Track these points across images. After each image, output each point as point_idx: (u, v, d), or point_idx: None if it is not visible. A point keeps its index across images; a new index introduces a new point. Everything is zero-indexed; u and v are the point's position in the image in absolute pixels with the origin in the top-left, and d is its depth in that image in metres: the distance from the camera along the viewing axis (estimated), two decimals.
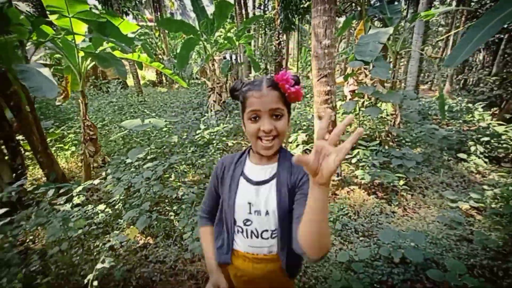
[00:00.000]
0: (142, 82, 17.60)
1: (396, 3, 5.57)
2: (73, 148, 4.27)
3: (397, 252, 1.97)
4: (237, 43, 8.15)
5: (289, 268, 0.91)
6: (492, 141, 4.37)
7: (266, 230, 0.89)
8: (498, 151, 4.33)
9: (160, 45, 17.46)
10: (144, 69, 19.60)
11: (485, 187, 2.97)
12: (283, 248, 0.88)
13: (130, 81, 12.54)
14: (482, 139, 4.34)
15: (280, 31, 15.32)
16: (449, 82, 13.02)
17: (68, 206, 2.19)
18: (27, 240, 2.37)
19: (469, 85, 12.18)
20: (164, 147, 3.11)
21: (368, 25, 4.82)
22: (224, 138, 4.11)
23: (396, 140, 4.58)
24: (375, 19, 5.57)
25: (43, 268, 1.91)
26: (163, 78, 18.01)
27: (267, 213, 0.87)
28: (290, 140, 3.86)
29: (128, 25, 3.10)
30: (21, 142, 3.03)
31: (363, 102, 5.24)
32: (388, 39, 4.33)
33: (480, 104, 6.42)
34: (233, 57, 10.06)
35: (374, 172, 3.02)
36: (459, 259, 2.05)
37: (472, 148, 4.25)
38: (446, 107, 6.57)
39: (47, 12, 2.78)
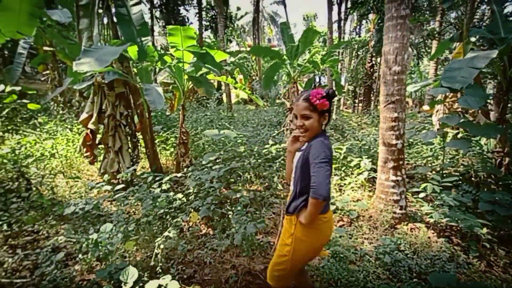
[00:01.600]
0: (235, 100, 19.95)
1: None
2: (172, 149, 5.40)
3: None
4: (322, 67, 8.40)
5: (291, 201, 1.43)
6: None
7: (293, 178, 1.46)
8: None
9: (255, 67, 19.47)
10: (239, 88, 22.28)
11: None
12: (294, 191, 1.43)
13: (226, 99, 14.55)
14: None
15: (374, 54, 14.65)
16: None
17: (158, 190, 2.90)
18: (132, 211, 3.24)
19: None
20: (232, 155, 3.63)
21: (468, 47, 4.23)
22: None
23: (501, 185, 3.73)
24: (480, 41, 4.78)
25: (136, 230, 2.60)
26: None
27: (295, 169, 1.44)
28: (352, 164, 3.77)
29: (221, 55, 3.88)
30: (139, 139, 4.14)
31: (457, 133, 4.51)
32: (500, 63, 3.71)
33: None
34: (317, 79, 10.32)
35: (448, 212, 2.64)
36: None
37: None
38: None
39: (169, 47, 3.82)
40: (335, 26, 17.84)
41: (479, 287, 1.72)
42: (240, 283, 2.11)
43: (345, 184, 3.72)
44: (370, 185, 3.74)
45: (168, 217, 2.77)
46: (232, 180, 3.28)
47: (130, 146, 3.76)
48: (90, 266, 2.24)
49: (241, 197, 2.77)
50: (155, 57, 3.76)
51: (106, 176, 3.44)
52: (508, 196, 2.79)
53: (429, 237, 2.67)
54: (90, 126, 3.48)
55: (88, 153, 3.66)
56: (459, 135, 4.53)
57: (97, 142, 3.69)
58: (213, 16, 14.96)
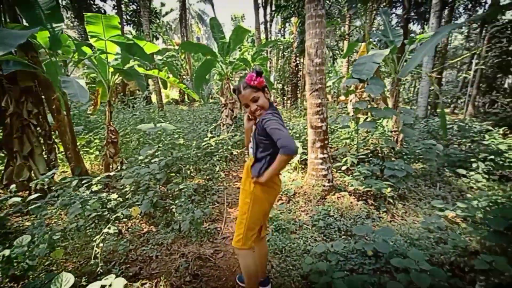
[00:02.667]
0: (166, 100, 18.89)
1: (398, 27, 5.86)
2: (97, 153, 4.83)
3: (369, 245, 2.14)
4: (252, 65, 8.78)
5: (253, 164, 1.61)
6: (497, 159, 4.35)
7: (251, 145, 1.66)
8: (506, 170, 4.30)
9: (184, 66, 18.82)
10: (169, 88, 21.12)
11: (469, 196, 3.04)
12: (254, 155, 1.61)
13: (154, 99, 13.62)
14: (485, 157, 4.34)
15: (297, 54, 16.02)
16: (471, 104, 12.74)
17: (87, 192, 2.61)
18: (52, 222, 2.80)
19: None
20: (172, 147, 3.51)
21: (370, 47, 5.15)
22: (229, 147, 4.47)
23: (398, 156, 4.69)
24: (380, 42, 5.89)
25: (63, 239, 2.29)
26: (185, 97, 19.23)
27: (253, 137, 1.63)
28: None
29: (151, 46, 3.68)
30: (56, 141, 3.58)
31: (366, 118, 5.43)
32: (392, 60, 4.62)
33: (490, 124, 6.34)
34: (254, 72, 10.71)
35: (362, 179, 3.20)
36: (431, 257, 2.17)
37: (474, 165, 4.26)
38: (456, 127, 6.56)
39: (89, 37, 3.43)
40: (262, 27, 18.77)
41: (386, 232, 2.18)
42: (191, 269, 2.11)
43: None
44: (303, 166, 4.17)
45: (103, 219, 2.52)
46: (172, 174, 3.19)
47: (44, 149, 3.23)
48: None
49: (185, 188, 2.73)
50: (71, 47, 3.32)
51: (12, 187, 2.89)
52: (403, 163, 3.56)
53: (351, 202, 3.18)
54: None
55: None
56: (368, 119, 5.45)
57: None
58: (135, 10, 13.81)
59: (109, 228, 2.03)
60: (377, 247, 2.04)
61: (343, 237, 2.59)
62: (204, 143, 4.08)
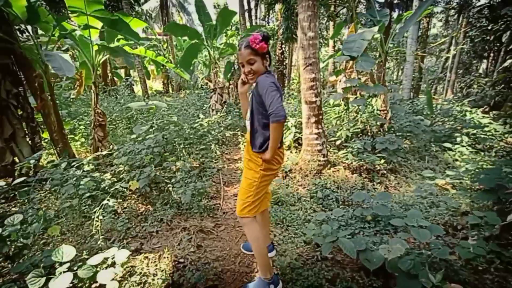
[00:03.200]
0: (149, 92, 18.31)
1: (385, 8, 5.91)
2: (83, 140, 4.63)
3: (368, 210, 2.20)
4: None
5: (251, 136, 1.57)
6: (478, 132, 4.58)
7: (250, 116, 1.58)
8: (486, 144, 4.53)
9: (168, 56, 18.23)
10: (152, 80, 20.44)
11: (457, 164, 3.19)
12: (251, 126, 1.57)
13: (138, 90, 13.16)
14: (468, 132, 4.55)
15: (283, 41, 15.90)
16: (450, 88, 13.25)
17: (79, 172, 2.50)
18: (42, 206, 2.67)
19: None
20: (167, 124, 3.40)
21: (358, 26, 5.18)
22: (222, 129, 4.42)
23: (387, 133, 4.82)
24: (366, 23, 5.96)
25: (57, 218, 2.20)
26: (170, 88, 18.69)
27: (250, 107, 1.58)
28: None
29: (137, 22, 3.50)
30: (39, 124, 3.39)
31: (356, 97, 5.51)
32: (380, 40, 4.68)
33: (471, 102, 6.63)
34: (236, 62, 10.55)
35: (356, 153, 3.26)
36: (427, 219, 2.27)
37: (458, 139, 4.46)
38: (438, 107, 6.80)
39: (69, 12, 3.21)
40: (246, 15, 18.40)
41: (384, 196, 2.24)
42: (194, 241, 2.09)
43: None
44: (297, 144, 4.20)
45: (97, 199, 2.43)
46: (167, 154, 3.11)
47: (27, 132, 3.05)
48: (11, 264, 1.78)
49: (183, 165, 2.68)
50: (50, 23, 3.10)
51: None
52: (393, 136, 3.66)
53: (346, 175, 3.24)
54: None
55: None
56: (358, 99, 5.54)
57: None
58: None
59: (108, 200, 1.96)
60: (376, 211, 2.10)
61: (341, 206, 2.65)
62: (196, 124, 3.99)
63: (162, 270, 1.76)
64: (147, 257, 1.93)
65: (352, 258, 1.64)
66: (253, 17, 18.31)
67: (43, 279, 1.45)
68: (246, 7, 16.86)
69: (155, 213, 2.49)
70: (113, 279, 1.53)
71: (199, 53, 7.39)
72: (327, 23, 14.05)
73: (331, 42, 10.08)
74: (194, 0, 6.19)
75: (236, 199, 2.81)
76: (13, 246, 1.80)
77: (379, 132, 4.70)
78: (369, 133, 4.64)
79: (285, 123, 4.17)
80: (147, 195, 2.78)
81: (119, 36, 3.50)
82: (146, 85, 10.17)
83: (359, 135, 4.33)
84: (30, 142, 3.08)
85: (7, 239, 1.78)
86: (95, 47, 3.43)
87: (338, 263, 1.83)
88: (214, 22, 6.29)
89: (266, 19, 20.56)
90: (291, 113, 4.80)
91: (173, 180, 2.76)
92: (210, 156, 3.94)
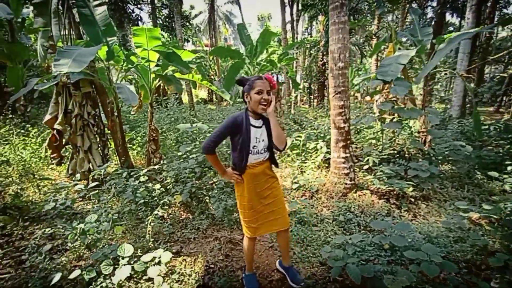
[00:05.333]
0: (195, 99, 19.80)
1: (428, 25, 5.70)
2: (139, 149, 5.42)
3: (386, 239, 2.30)
4: (278, 65, 9.00)
5: (272, 161, 1.87)
6: None
7: (263, 149, 1.79)
8: None
9: (213, 67, 19.53)
10: (198, 88, 22.11)
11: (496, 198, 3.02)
12: (270, 155, 1.85)
13: (185, 99, 14.43)
14: None
15: (324, 53, 15.86)
16: None
17: (136, 182, 3.07)
18: (108, 206, 3.32)
19: None
20: None
21: (397, 47, 5.13)
22: None
23: (426, 157, 4.64)
24: (408, 42, 5.82)
25: (120, 219, 2.76)
26: (214, 96, 19.95)
27: (263, 140, 1.78)
28: (310, 147, 4.35)
29: (186, 54, 4.09)
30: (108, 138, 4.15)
31: (393, 118, 5.41)
32: (421, 61, 4.60)
33: None
34: (275, 77, 10.97)
35: (385, 178, 3.31)
36: (448, 254, 2.28)
37: (510, 168, 4.12)
38: (492, 128, 6.22)
39: (134, 46, 3.92)
40: (288, 26, 18.79)
41: (403, 226, 2.32)
42: (223, 250, 2.45)
43: (305, 166, 4.27)
44: (327, 165, 4.34)
45: (149, 205, 2.96)
46: (206, 169, 3.57)
47: (100, 145, 3.79)
48: (78, 255, 2.35)
49: (217, 181, 3.09)
50: (121, 57, 3.83)
51: (77, 176, 3.46)
52: (427, 163, 3.59)
53: (372, 200, 3.31)
54: (57, 126, 3.43)
55: (55, 154, 3.60)
56: (394, 120, 5.43)
57: (63, 142, 3.64)
58: (168, 15, 14.69)
59: (158, 211, 2.43)
60: (393, 241, 2.20)
61: (362, 231, 2.77)
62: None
63: (196, 272, 2.14)
64: (185, 259, 2.33)
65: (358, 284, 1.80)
66: (296, 29, 18.62)
67: (111, 268, 1.94)
68: (288, 18, 17.27)
69: (194, 222, 2.92)
70: (158, 275, 1.95)
71: (240, 70, 7.96)
72: (367, 39, 13.69)
73: (374, 57, 9.86)
74: (237, 25, 6.76)
75: None
76: (91, 238, 2.36)
77: (417, 155, 4.58)
78: (405, 156, 4.56)
79: (316, 144, 4.37)
80: (188, 204, 3.24)
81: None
82: (192, 97, 11.15)
83: (395, 157, 4.29)
84: (101, 153, 3.81)
85: (87, 233, 2.35)
86: (152, 75, 4.10)
87: (346, 287, 2.00)
88: (254, 43, 6.78)
89: (309, 30, 20.73)
90: (323, 133, 4.95)
91: (210, 193, 3.19)
92: None
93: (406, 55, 3.98)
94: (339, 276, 2.02)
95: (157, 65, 4.25)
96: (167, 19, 12.92)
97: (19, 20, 6.67)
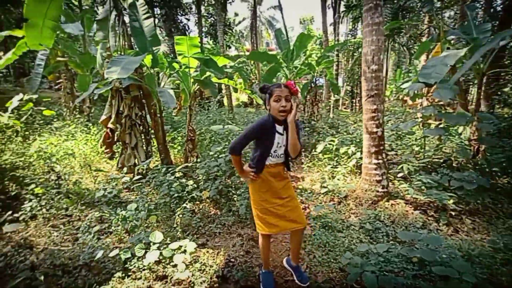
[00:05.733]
0: (236, 103, 20.49)
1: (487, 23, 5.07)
2: (179, 147, 5.87)
3: (414, 251, 2.16)
4: (317, 68, 8.89)
5: (286, 165, 1.93)
6: None
7: (282, 153, 1.87)
8: None
9: (254, 71, 20.01)
10: (239, 92, 22.88)
11: None
12: (285, 158, 1.91)
13: (226, 102, 15.06)
14: None
15: None
16: None
17: (172, 177, 3.36)
18: (148, 198, 3.69)
19: None
20: None
21: (445, 47, 4.69)
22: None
23: (478, 168, 4.15)
24: (459, 41, 5.26)
25: (155, 209, 3.06)
26: (254, 100, 20.40)
27: (284, 145, 1.86)
28: (341, 151, 4.23)
29: (222, 60, 4.35)
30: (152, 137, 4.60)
31: (439, 124, 4.94)
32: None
33: None
34: (317, 80, 10.75)
35: (424, 189, 3.07)
36: (491, 276, 2.04)
37: None
38: None
39: (177, 54, 4.31)
40: (330, 28, 18.31)
41: (434, 240, 2.14)
42: (245, 246, 2.55)
43: (337, 171, 4.17)
44: (359, 171, 4.18)
45: (182, 199, 3.22)
46: (235, 168, 3.73)
47: (144, 143, 4.22)
48: (119, 238, 2.69)
49: (244, 182, 3.22)
50: (165, 63, 4.24)
51: (124, 170, 3.91)
52: (475, 174, 3.22)
53: (406, 211, 3.10)
54: (110, 125, 3.96)
55: (108, 150, 4.13)
56: (441, 126, 4.97)
57: (115, 139, 4.16)
58: (212, 23, 15.55)
59: (186, 204, 2.65)
60: (422, 254, 2.06)
61: (390, 242, 2.62)
62: None
63: (217, 264, 2.28)
64: (208, 251, 2.50)
65: None
66: (338, 30, 18.06)
67: (143, 251, 2.19)
68: (331, 20, 16.86)
69: (221, 218, 3.09)
70: (182, 262, 2.14)
71: (277, 74, 8.07)
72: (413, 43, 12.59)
73: (423, 58, 9.08)
74: (274, 30, 6.89)
75: None
76: (130, 225, 2.67)
77: (467, 165, 4.13)
78: (453, 166, 4.14)
79: (347, 149, 4.24)
80: (217, 201, 3.43)
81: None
82: (231, 100, 11.60)
83: (440, 166, 3.93)
84: (145, 150, 4.25)
85: (127, 219, 2.67)
86: (191, 80, 4.43)
87: None
88: (291, 47, 6.83)
89: (353, 32, 19.93)
90: (358, 138, 4.77)
91: (238, 192, 3.34)
92: None
93: (454, 55, 3.64)
94: (356, 283, 1.96)
95: (196, 71, 4.60)
96: (211, 27, 13.72)
97: (90, 34, 7.77)
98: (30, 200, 3.14)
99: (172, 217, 2.99)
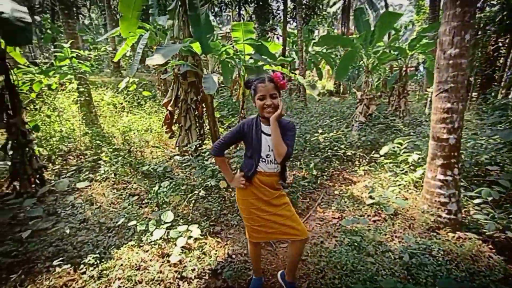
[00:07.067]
0: (322, 91, 19.51)
1: None
2: None
3: None
4: (409, 53, 7.38)
5: (282, 177, 1.70)
6: None
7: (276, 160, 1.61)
8: None
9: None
10: (326, 80, 21.61)
11: None
12: (281, 168, 1.67)
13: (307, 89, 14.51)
14: None
15: (499, 33, 11.57)
16: None
17: (207, 162, 3.49)
18: (191, 177, 3.99)
19: None
20: None
21: None
22: (344, 147, 4.27)
23: None
24: None
25: (185, 190, 3.27)
26: (340, 88, 18.88)
27: None
28: (401, 159, 3.39)
29: (274, 46, 4.12)
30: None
31: None
32: None
33: None
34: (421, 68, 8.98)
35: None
36: None
37: None
38: None
39: (232, 40, 4.33)
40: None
41: None
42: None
43: (394, 181, 3.42)
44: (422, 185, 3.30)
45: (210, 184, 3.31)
46: None
47: (197, 125, 4.53)
48: (152, 210, 3.01)
49: None
50: (220, 50, 4.34)
51: (176, 150, 4.32)
52: None
53: (479, 251, 2.26)
54: (169, 108, 4.41)
55: (168, 130, 4.65)
56: None
57: (173, 121, 4.62)
58: (295, 7, 14.96)
59: (199, 191, 2.71)
60: None
61: None
62: (314, 138, 4.14)
63: (216, 256, 2.26)
64: (217, 241, 2.50)
65: None
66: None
67: (154, 227, 2.38)
68: None
69: None
70: (183, 246, 2.21)
71: (354, 60, 7.11)
72: None
73: None
74: (354, 10, 6.00)
75: (320, 223, 2.83)
76: (160, 200, 2.95)
77: None
78: None
79: (407, 156, 3.39)
80: None
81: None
82: (305, 88, 11.11)
83: None
84: (198, 133, 4.56)
85: (159, 195, 2.95)
86: (243, 67, 4.40)
87: None
88: (371, 28, 5.82)
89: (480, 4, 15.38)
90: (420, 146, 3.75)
91: None
92: (322, 170, 4.03)
93: None
94: None
95: (251, 58, 4.53)
96: (293, 10, 13.25)
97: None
98: (105, 164, 3.88)
99: (197, 201, 3.12)
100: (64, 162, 4.38)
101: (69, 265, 2.04)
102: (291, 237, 1.69)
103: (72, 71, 4.88)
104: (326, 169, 4.25)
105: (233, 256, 2.30)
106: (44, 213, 2.70)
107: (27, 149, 3.15)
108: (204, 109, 4.55)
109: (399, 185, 3.29)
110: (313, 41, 13.34)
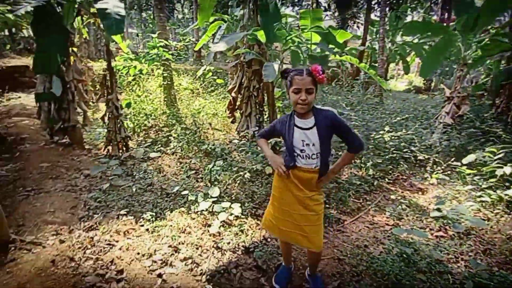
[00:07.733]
0: (406, 86, 17.24)
1: None
2: None
3: None
4: None
5: (320, 175, 1.55)
6: None
7: (314, 154, 1.51)
8: None
9: None
10: (415, 74, 18.88)
11: None
12: (321, 164, 1.53)
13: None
14: None
15: None
16: None
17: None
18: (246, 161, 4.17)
19: None
20: None
21: None
22: (416, 149, 3.76)
23: None
24: None
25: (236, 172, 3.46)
26: (432, 85, 16.23)
27: (313, 145, 1.49)
28: (487, 170, 2.71)
29: (343, 34, 3.82)
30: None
31: None
32: None
33: None
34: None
35: None
36: None
37: None
38: None
39: (301, 29, 4.23)
40: None
41: None
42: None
43: (475, 196, 2.82)
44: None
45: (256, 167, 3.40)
46: None
47: (257, 113, 4.68)
48: (205, 184, 3.30)
49: None
50: (284, 37, 4.30)
51: (235, 134, 4.57)
52: None
53: None
54: (233, 94, 4.67)
55: (230, 115, 4.94)
56: None
57: (236, 107, 4.88)
58: None
59: (245, 173, 2.82)
60: None
61: None
62: (378, 136, 3.76)
63: (252, 236, 2.35)
64: (257, 223, 2.58)
65: None
66: None
67: (202, 200, 2.62)
68: None
69: None
70: (223, 220, 2.38)
71: (447, 50, 5.93)
72: None
73: None
74: None
75: (369, 227, 2.63)
76: (213, 177, 3.20)
77: None
78: None
79: (493, 168, 2.70)
80: None
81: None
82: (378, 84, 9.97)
83: None
84: (257, 119, 4.71)
85: (212, 172, 3.22)
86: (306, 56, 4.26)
87: None
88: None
89: None
90: None
91: None
92: (385, 171, 3.68)
93: None
94: None
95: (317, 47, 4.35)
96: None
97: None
98: (174, 140, 4.43)
99: (244, 183, 3.25)
100: (146, 135, 5.19)
101: (132, 217, 2.47)
102: (307, 246, 1.62)
103: (158, 58, 5.64)
104: (390, 171, 3.82)
105: (269, 239, 2.35)
106: (123, 173, 3.30)
107: (118, 120, 3.87)
108: (266, 97, 4.64)
109: (481, 201, 2.70)
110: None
